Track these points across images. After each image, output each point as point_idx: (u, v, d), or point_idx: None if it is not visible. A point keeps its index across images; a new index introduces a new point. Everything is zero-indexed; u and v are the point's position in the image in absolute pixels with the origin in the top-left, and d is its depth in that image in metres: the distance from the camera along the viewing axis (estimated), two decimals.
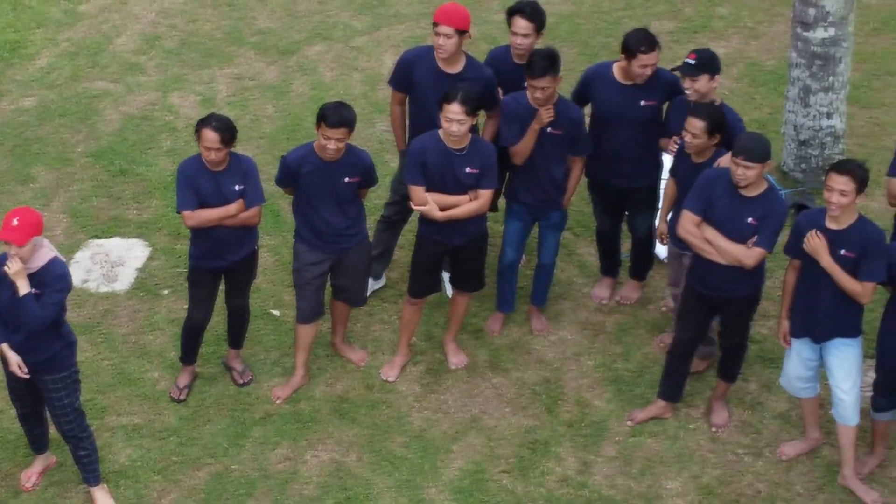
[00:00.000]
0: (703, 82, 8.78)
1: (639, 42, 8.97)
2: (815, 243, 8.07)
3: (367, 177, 8.84)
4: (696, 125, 8.53)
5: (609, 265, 10.03)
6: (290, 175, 8.70)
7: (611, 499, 8.57)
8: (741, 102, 11.80)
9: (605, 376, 9.44)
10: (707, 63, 8.80)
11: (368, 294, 9.81)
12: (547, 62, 8.80)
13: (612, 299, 10.02)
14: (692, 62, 8.79)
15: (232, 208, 8.55)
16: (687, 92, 8.87)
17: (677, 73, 9.05)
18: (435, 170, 8.72)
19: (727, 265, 8.34)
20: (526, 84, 8.93)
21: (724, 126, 8.58)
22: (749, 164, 8.08)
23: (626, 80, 9.16)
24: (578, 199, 10.32)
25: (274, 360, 9.47)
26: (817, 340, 8.34)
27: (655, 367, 9.33)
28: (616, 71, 9.20)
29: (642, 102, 9.15)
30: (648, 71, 9.02)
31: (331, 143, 8.46)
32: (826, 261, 8.07)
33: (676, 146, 8.92)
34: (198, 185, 8.50)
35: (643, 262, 9.97)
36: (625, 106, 9.16)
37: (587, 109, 9.43)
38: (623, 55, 9.06)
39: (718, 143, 8.60)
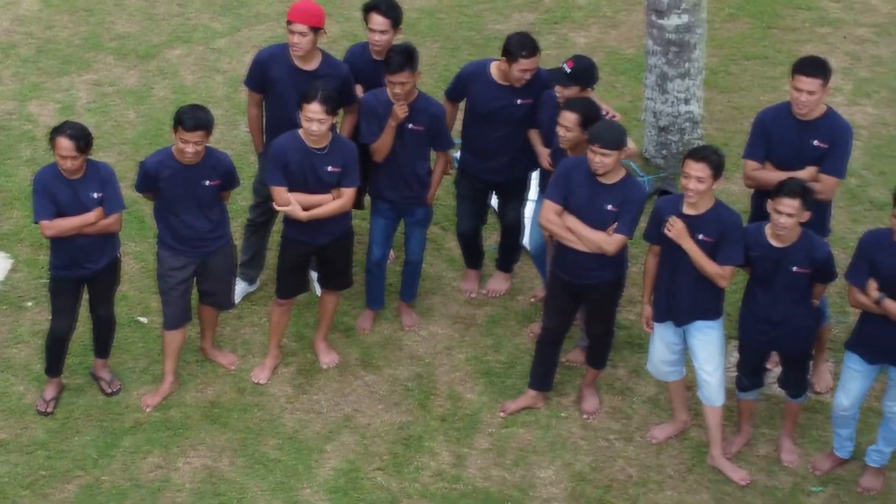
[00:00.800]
0: (573, 91, 8.83)
1: (521, 46, 9.00)
2: (679, 228, 8.18)
3: (228, 179, 8.78)
4: (569, 118, 8.56)
5: (472, 259, 10.07)
6: (149, 180, 8.61)
7: (485, 491, 8.61)
8: (602, 91, 11.87)
9: (477, 369, 9.48)
10: (581, 75, 8.81)
11: (241, 298, 9.77)
12: (404, 57, 8.80)
13: (480, 291, 10.06)
14: (567, 71, 8.80)
15: (91, 216, 8.44)
16: (557, 96, 8.90)
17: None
18: (296, 170, 8.69)
19: (590, 252, 8.42)
20: (385, 80, 8.93)
21: (597, 120, 8.61)
22: (605, 151, 8.16)
23: (504, 81, 9.19)
24: (445, 193, 10.37)
25: (143, 368, 9.37)
26: (679, 324, 8.46)
27: (526, 358, 9.39)
28: (493, 70, 9.23)
29: (518, 101, 9.20)
30: (528, 75, 9.06)
31: (189, 147, 8.40)
32: (688, 245, 8.18)
33: (549, 163, 8.99)
34: (55, 193, 8.38)
35: (510, 252, 10.02)
36: (502, 105, 9.20)
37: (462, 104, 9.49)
38: (504, 58, 9.08)
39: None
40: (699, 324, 8.41)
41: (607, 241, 8.36)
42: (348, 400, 9.22)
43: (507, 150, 9.36)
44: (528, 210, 9.86)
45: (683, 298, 8.33)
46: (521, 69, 9.01)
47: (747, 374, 8.64)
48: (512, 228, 9.86)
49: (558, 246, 8.61)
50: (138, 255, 10.24)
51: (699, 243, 8.17)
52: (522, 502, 8.56)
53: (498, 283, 10.09)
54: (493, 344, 9.68)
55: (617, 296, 8.82)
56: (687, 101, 10.90)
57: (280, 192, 8.73)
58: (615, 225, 8.34)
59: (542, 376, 9.10)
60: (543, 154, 9.13)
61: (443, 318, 9.89)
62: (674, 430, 8.98)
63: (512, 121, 9.23)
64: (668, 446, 8.93)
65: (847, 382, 8.38)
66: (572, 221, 8.41)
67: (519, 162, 9.45)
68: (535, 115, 9.18)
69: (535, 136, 9.26)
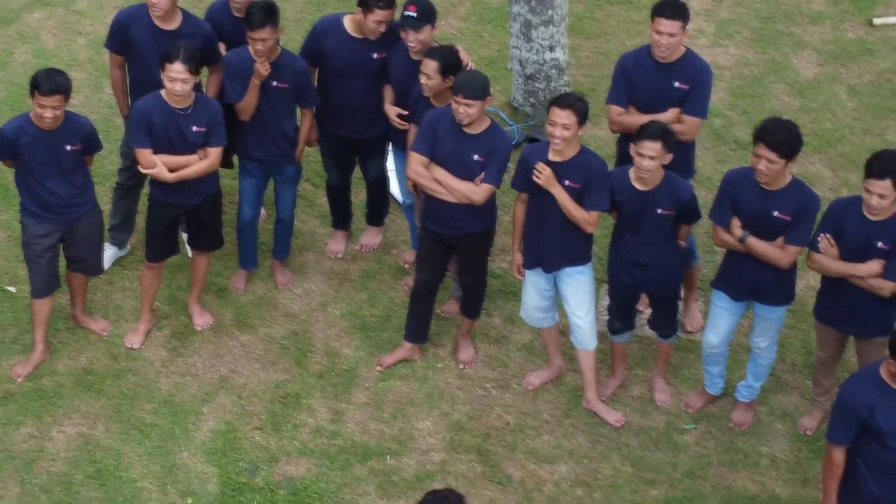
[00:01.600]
0: (426, 33, 8.82)
1: None
2: (547, 175, 8.22)
3: (90, 143, 8.66)
4: (429, 66, 8.56)
5: (340, 219, 10.02)
6: (8, 147, 8.46)
7: (364, 444, 8.64)
8: (470, 41, 11.90)
9: (353, 324, 9.48)
10: (427, 12, 8.82)
11: (112, 263, 9.66)
12: (264, 13, 8.71)
13: (353, 247, 10.04)
14: (414, 15, 8.78)
15: None
16: (410, 44, 8.87)
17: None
18: (161, 131, 8.60)
19: (459, 203, 8.44)
20: (247, 37, 8.84)
21: (458, 67, 8.61)
22: (469, 101, 8.18)
23: (359, 34, 9.13)
24: (314, 149, 10.30)
25: (12, 338, 9.24)
26: (548, 270, 8.53)
27: (402, 311, 9.40)
28: (348, 23, 9.16)
29: (374, 55, 9.14)
30: (382, 28, 8.99)
31: (47, 112, 8.26)
32: (557, 191, 8.23)
33: (401, 121, 8.99)
34: None
35: (378, 206, 10.00)
36: (357, 59, 9.13)
37: None
38: (359, 8, 9.01)
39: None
40: (568, 270, 8.48)
41: (475, 191, 8.38)
42: (224, 361, 9.18)
43: (364, 106, 9.28)
44: (389, 162, 9.83)
45: (552, 245, 8.39)
46: (377, 20, 8.94)
47: (618, 317, 8.74)
48: (376, 183, 9.83)
49: (427, 198, 8.62)
50: (4, 224, 10.06)
51: (566, 189, 8.22)
52: (402, 454, 8.61)
53: (370, 237, 10.07)
54: (367, 298, 9.68)
55: (488, 245, 8.86)
56: (552, 49, 10.92)
57: (145, 155, 8.63)
58: (482, 175, 8.37)
59: (418, 328, 9.13)
60: (391, 113, 9.11)
61: (317, 274, 9.86)
62: (549, 376, 9.07)
63: (368, 75, 9.16)
64: (544, 392, 9.02)
65: (715, 320, 8.52)
66: (440, 173, 8.43)
67: (377, 119, 9.37)
68: (387, 69, 9.15)
69: (386, 92, 9.22)
